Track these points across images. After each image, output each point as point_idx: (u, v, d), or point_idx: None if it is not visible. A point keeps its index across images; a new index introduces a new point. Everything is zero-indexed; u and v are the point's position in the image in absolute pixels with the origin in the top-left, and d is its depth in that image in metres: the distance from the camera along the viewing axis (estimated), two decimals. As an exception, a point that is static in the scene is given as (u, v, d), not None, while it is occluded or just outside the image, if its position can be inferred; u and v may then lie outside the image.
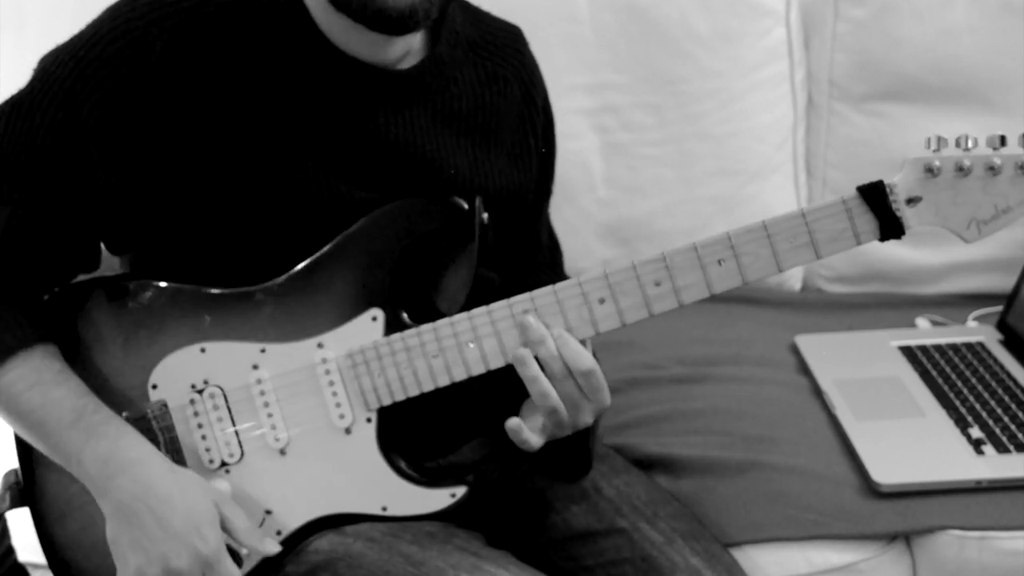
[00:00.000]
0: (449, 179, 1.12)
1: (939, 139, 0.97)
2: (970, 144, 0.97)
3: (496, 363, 1.03)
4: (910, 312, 1.73)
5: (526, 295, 1.02)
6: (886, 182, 0.97)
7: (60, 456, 1.06)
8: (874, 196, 0.97)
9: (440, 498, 1.07)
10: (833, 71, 1.79)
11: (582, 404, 1.02)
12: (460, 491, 1.07)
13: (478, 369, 1.04)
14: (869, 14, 1.74)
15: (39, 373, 1.05)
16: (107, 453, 1.02)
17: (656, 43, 1.73)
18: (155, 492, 1.01)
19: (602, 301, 1.01)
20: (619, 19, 1.73)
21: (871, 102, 1.77)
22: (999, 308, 1.66)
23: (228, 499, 1.05)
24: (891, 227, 0.97)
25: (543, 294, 1.01)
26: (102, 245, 1.14)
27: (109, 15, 1.05)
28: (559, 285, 1.01)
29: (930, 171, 0.97)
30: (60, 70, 1.03)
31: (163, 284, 1.08)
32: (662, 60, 1.74)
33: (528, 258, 1.28)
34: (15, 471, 1.17)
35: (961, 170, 0.96)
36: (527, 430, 1.02)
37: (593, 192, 1.78)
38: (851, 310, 1.77)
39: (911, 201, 0.97)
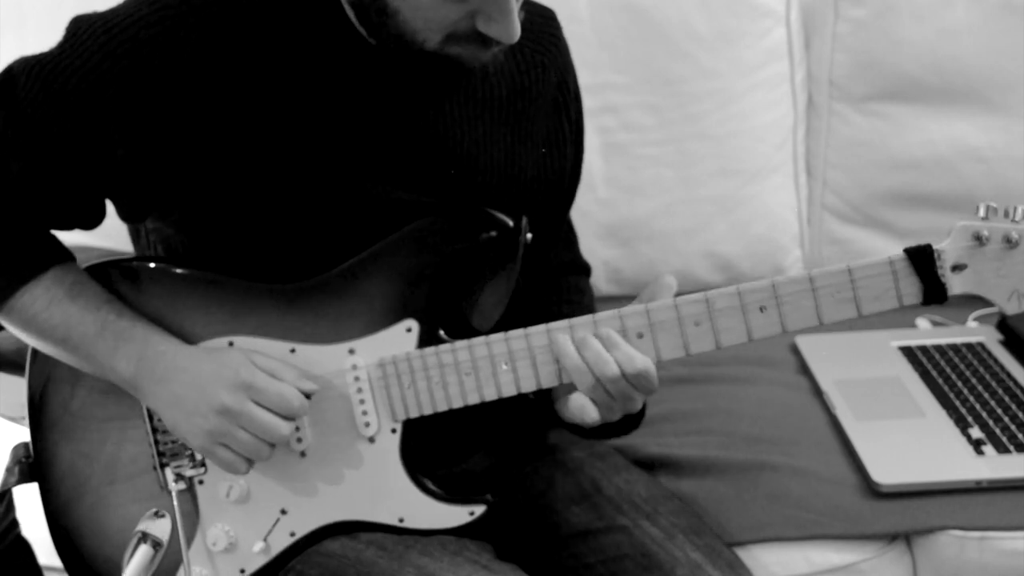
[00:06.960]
0: (482, 172, 1.09)
1: (988, 207, 0.96)
2: (1018, 215, 0.96)
3: (528, 387, 1.02)
4: (910, 312, 1.73)
5: (564, 322, 1.01)
6: (935, 247, 0.96)
7: (93, 366, 1.07)
8: (921, 260, 0.96)
9: (458, 515, 1.07)
10: (833, 71, 1.79)
11: (634, 396, 1.01)
12: (479, 509, 1.07)
13: (510, 391, 1.03)
14: (869, 14, 1.74)
15: (50, 291, 1.06)
16: (139, 353, 1.04)
17: (656, 43, 1.73)
18: (184, 366, 1.03)
19: (640, 336, 1.00)
20: (619, 19, 1.73)
21: (871, 102, 1.77)
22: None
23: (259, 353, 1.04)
24: (935, 292, 0.97)
25: (582, 323, 1.00)
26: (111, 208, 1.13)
27: None
28: (600, 315, 1.00)
29: (978, 240, 0.96)
30: (91, 42, 1.01)
31: (198, 272, 1.07)
32: (662, 60, 1.74)
33: (550, 240, 1.26)
34: (25, 444, 1.15)
35: (1009, 242, 0.96)
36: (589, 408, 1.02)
37: (593, 192, 1.78)
38: (851, 310, 1.77)
39: (956, 268, 0.97)
